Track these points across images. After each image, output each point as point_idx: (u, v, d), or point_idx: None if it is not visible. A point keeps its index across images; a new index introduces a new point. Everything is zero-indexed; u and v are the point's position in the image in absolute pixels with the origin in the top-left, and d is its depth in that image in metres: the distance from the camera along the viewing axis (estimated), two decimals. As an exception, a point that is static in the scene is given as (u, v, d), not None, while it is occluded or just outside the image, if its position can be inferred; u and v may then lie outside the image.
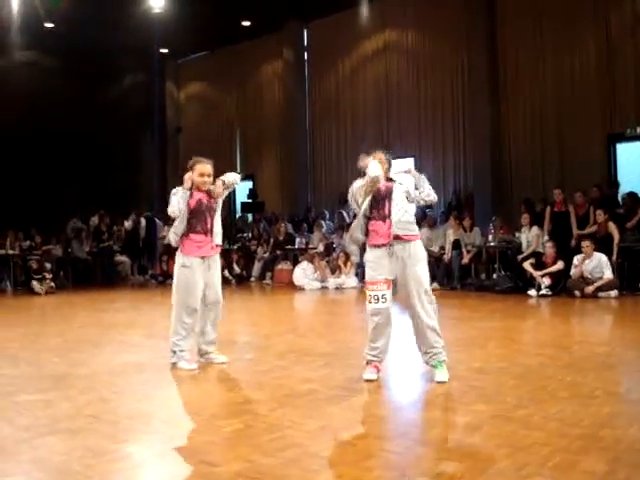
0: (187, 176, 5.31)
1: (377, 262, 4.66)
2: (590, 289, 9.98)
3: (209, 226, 5.38)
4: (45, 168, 17.40)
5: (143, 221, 17.35)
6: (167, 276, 15.70)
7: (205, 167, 5.36)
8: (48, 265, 14.06)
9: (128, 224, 17.14)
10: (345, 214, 15.78)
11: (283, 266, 14.64)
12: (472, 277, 12.33)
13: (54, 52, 18.27)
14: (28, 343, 6.92)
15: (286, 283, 13.92)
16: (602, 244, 10.50)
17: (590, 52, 13.56)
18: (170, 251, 16.39)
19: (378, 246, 4.68)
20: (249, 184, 19.44)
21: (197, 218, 5.34)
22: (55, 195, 17.06)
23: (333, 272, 13.38)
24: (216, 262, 5.47)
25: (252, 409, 3.99)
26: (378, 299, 4.60)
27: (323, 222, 15.58)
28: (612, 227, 10.81)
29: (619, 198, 12.26)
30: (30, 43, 17.22)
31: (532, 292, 10.57)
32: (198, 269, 5.29)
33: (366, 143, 17.06)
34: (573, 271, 10.32)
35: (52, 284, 13.58)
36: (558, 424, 3.51)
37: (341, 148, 17.85)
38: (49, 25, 16.51)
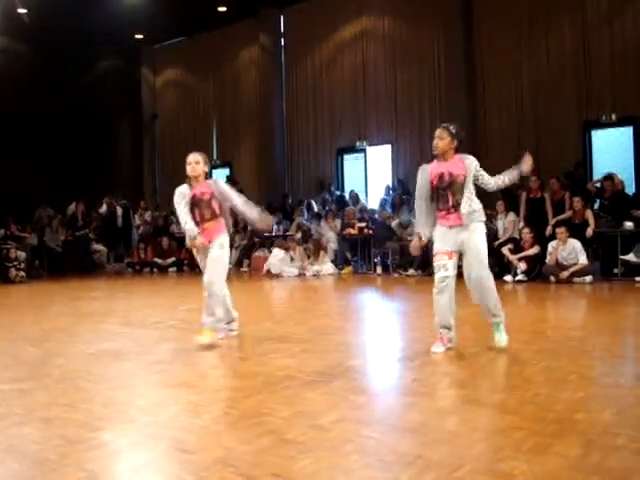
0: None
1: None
2: (565, 274, 10.07)
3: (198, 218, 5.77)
4: (18, 155, 17.15)
5: (120, 210, 17.22)
6: (144, 264, 15.61)
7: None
8: (20, 254, 13.90)
9: (103, 210, 17.02)
10: (314, 203, 15.75)
11: (260, 253, 14.61)
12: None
13: (27, 38, 17.99)
14: (3, 332, 6.87)
15: (263, 270, 13.89)
16: (578, 231, 10.59)
17: (566, 39, 13.65)
18: (147, 239, 16.35)
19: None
20: (226, 171, 19.38)
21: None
22: (29, 183, 16.84)
23: (310, 258, 13.37)
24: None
25: (229, 396, 3.98)
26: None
27: (304, 209, 15.56)
28: (589, 214, 10.90)
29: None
30: (3, 29, 16.95)
31: (508, 278, 10.65)
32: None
33: (343, 130, 17.13)
34: (548, 257, 10.40)
35: (23, 273, 13.45)
36: (533, 408, 3.54)
37: (318, 134, 17.81)
38: (22, 10, 16.26)
